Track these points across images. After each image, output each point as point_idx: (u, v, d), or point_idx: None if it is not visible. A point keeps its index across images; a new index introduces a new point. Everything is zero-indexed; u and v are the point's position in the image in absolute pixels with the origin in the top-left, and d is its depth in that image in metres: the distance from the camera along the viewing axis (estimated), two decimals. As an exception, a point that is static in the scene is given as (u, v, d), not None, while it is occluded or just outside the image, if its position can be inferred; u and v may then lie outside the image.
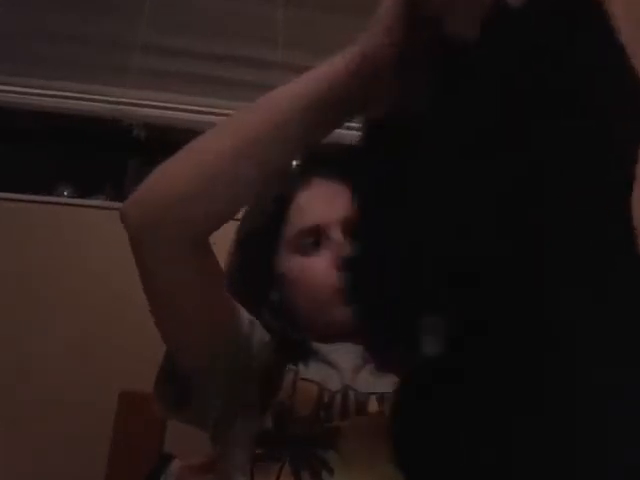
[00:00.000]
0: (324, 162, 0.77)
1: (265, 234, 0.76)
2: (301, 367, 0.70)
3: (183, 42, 1.56)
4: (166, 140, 1.66)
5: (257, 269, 0.76)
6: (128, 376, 1.09)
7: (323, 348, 0.72)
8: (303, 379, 0.68)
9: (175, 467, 0.91)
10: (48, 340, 1.23)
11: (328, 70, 0.52)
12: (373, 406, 0.66)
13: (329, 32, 1.63)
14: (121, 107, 1.49)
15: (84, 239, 1.32)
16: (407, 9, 0.41)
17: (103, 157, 1.63)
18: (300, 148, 0.57)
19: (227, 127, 0.58)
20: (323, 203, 0.73)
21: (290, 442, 0.63)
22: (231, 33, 1.58)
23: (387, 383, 0.67)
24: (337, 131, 1.78)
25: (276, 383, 0.67)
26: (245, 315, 0.69)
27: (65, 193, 1.46)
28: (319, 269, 0.71)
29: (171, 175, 0.55)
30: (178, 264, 0.56)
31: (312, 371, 0.70)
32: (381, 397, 0.66)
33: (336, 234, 0.71)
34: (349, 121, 0.54)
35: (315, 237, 0.72)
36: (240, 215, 0.76)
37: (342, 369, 0.70)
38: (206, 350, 0.64)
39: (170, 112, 1.51)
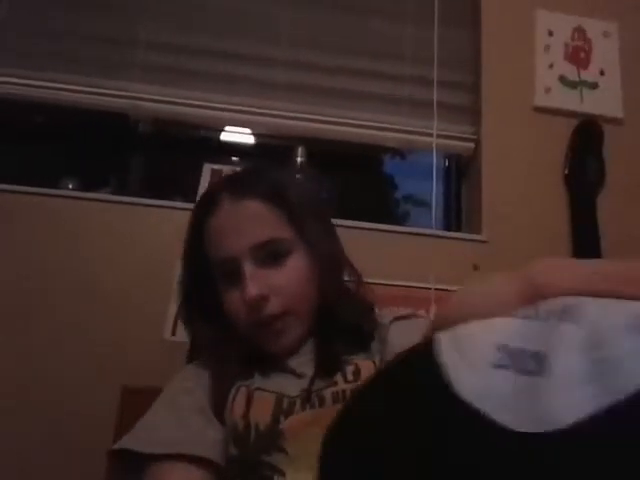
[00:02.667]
0: (232, 182, 0.77)
1: (193, 265, 0.77)
2: (257, 378, 0.71)
3: (188, 39, 1.56)
4: (170, 135, 1.66)
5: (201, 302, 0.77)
6: (130, 371, 1.10)
7: (286, 359, 0.74)
8: (259, 389, 0.70)
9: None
10: (50, 335, 1.24)
11: None
12: (303, 398, 0.67)
13: (332, 29, 1.63)
14: (126, 102, 1.49)
15: (87, 232, 1.32)
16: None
17: (108, 151, 1.64)
18: None
19: None
20: (232, 232, 0.72)
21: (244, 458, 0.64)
22: (236, 30, 1.58)
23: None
24: (335, 128, 1.75)
25: (223, 403, 0.69)
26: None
27: (70, 186, 1.46)
28: (234, 304, 0.72)
29: None
30: None
31: (271, 382, 0.71)
32: (336, 393, 0.68)
33: (247, 265, 0.70)
34: None
35: (230, 267, 0.72)
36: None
37: (304, 375, 0.71)
38: None
39: (175, 107, 1.51)
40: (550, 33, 1.66)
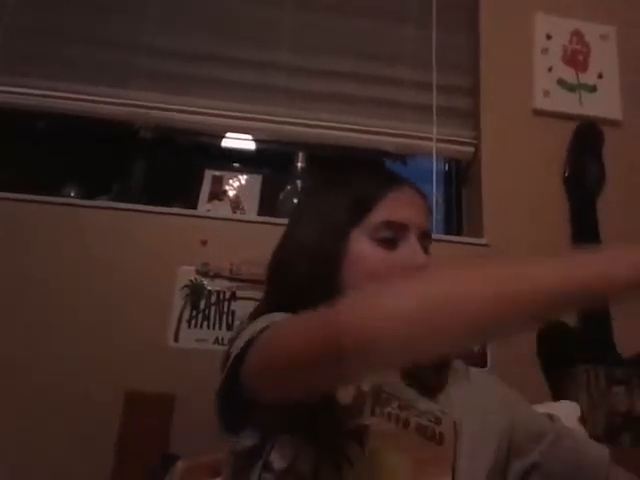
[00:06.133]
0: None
1: (347, 217, 0.79)
2: None
3: (189, 45, 1.57)
4: (171, 142, 1.67)
5: (325, 247, 0.78)
6: (134, 376, 1.10)
7: None
8: None
9: (179, 467, 0.92)
10: (55, 340, 1.24)
11: (582, 272, 0.49)
12: (392, 409, 0.68)
13: (332, 34, 1.64)
14: (128, 109, 1.50)
15: (89, 239, 1.33)
16: None
17: (109, 158, 1.64)
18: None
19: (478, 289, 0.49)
20: (411, 207, 0.80)
21: (324, 434, 0.66)
22: (235, 36, 1.60)
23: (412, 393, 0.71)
24: (335, 133, 1.73)
25: None
26: None
27: (72, 194, 1.46)
28: (395, 266, 0.75)
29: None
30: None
31: None
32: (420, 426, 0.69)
33: (413, 238, 0.76)
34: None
35: (395, 233, 0.77)
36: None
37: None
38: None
39: (176, 114, 1.52)
40: (548, 36, 1.67)
